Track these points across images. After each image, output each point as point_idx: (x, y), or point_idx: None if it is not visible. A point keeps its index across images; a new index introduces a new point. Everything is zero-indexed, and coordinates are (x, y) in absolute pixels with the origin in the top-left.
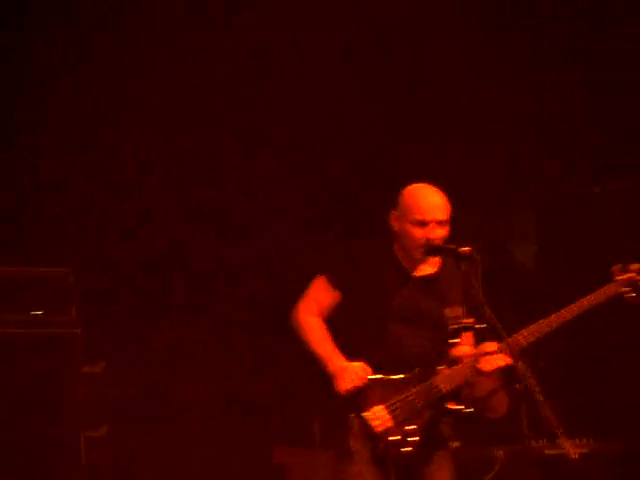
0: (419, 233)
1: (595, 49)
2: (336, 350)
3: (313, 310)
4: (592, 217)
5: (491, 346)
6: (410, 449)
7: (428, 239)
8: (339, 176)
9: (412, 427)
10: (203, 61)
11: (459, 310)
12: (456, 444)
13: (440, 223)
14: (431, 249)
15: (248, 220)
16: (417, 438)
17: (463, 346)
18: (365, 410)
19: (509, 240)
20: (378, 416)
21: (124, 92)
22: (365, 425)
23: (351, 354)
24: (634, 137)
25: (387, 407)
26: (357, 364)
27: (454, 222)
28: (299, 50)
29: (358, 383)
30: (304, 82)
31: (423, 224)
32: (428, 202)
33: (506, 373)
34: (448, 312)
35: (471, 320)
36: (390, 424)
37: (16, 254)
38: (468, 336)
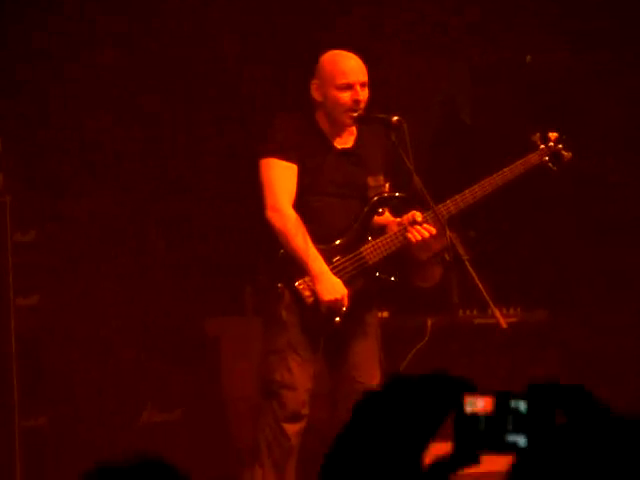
0: (345, 96)
1: None
2: (317, 254)
3: (288, 201)
4: (522, 85)
5: (417, 216)
6: (339, 319)
7: (356, 100)
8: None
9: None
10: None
11: (381, 179)
12: (386, 314)
13: (363, 85)
14: (362, 118)
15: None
16: (346, 308)
17: (387, 215)
18: (294, 280)
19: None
20: (308, 286)
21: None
22: (296, 295)
23: None
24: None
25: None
26: (335, 279)
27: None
28: None
29: (339, 297)
30: None
31: (349, 87)
32: (350, 64)
33: (435, 244)
34: (371, 181)
35: (393, 189)
36: None
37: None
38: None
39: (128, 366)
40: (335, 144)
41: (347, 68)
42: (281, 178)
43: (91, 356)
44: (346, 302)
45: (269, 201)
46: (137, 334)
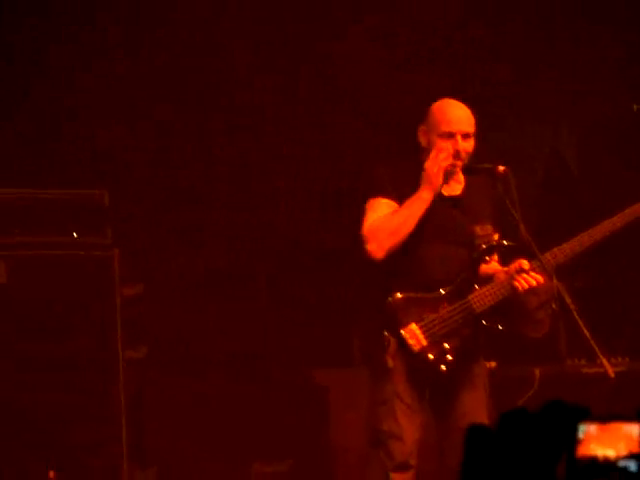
0: (446, 145)
1: None
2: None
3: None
4: (630, 136)
5: (524, 264)
6: (444, 367)
7: (456, 150)
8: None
9: (447, 346)
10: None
11: (489, 228)
12: (493, 364)
13: (466, 135)
14: (468, 168)
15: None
16: (452, 357)
17: (494, 264)
18: (401, 328)
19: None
20: (414, 334)
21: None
22: (401, 343)
23: (388, 274)
24: None
25: (423, 325)
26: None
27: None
28: None
29: (447, 162)
30: None
31: (450, 136)
32: (454, 114)
33: (544, 292)
34: (479, 230)
35: (500, 238)
36: (425, 342)
37: (51, 177)
38: (495, 254)
39: (237, 417)
40: (442, 191)
41: (452, 117)
42: (379, 211)
43: (199, 407)
44: (453, 349)
45: (364, 232)
46: (244, 384)
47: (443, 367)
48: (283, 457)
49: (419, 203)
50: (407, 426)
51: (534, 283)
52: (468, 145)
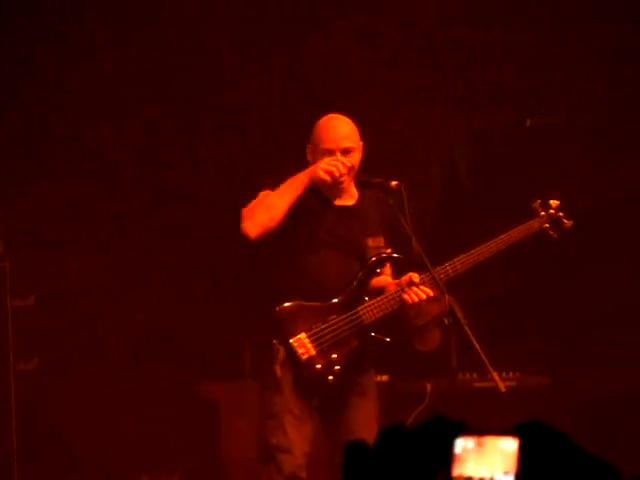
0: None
1: None
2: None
3: None
4: (521, 149)
5: (415, 277)
6: (332, 378)
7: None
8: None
9: (335, 356)
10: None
11: (381, 241)
12: (385, 377)
13: (345, 151)
14: (361, 182)
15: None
16: (340, 367)
17: (385, 276)
18: (289, 337)
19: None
20: (303, 343)
21: None
22: (289, 352)
23: (278, 283)
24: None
25: (311, 335)
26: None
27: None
28: None
29: (343, 171)
30: None
31: (331, 152)
32: (333, 131)
33: (434, 306)
34: (370, 242)
35: (391, 251)
36: (314, 352)
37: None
38: (387, 267)
39: (126, 430)
40: (335, 202)
41: (331, 134)
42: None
43: (90, 421)
44: (341, 360)
45: (242, 211)
46: (134, 396)
47: (331, 377)
48: (171, 470)
49: (296, 183)
50: (296, 439)
51: (424, 296)
52: (349, 160)
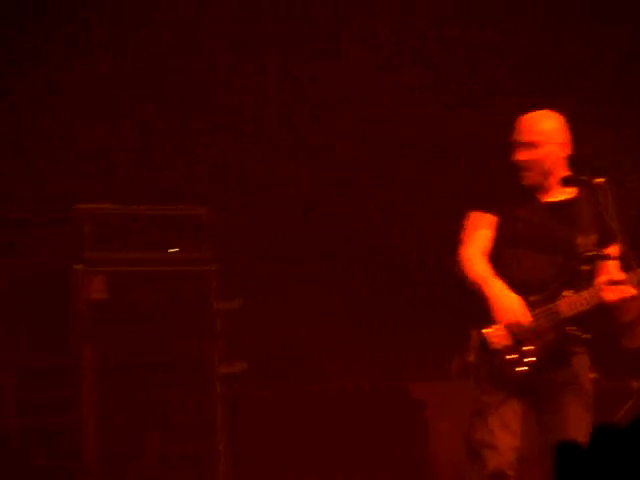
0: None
1: None
2: (496, 280)
3: (477, 249)
4: None
5: (619, 275)
6: (525, 369)
7: (515, 160)
8: None
9: (530, 347)
10: None
11: (592, 239)
12: (594, 375)
13: (523, 145)
14: (566, 179)
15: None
16: (534, 359)
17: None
18: (487, 327)
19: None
20: (497, 334)
21: None
22: (483, 342)
23: None
24: None
25: (508, 326)
26: (514, 297)
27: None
28: None
29: (519, 319)
30: None
31: (516, 144)
32: (522, 124)
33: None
34: (580, 240)
35: (603, 249)
36: (508, 342)
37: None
38: (602, 265)
39: (334, 433)
40: (543, 198)
41: (519, 127)
42: (476, 228)
43: (294, 424)
44: (535, 352)
45: (460, 255)
46: (344, 401)
47: (524, 368)
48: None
49: (483, 290)
50: (500, 434)
51: (624, 295)
52: (525, 154)
